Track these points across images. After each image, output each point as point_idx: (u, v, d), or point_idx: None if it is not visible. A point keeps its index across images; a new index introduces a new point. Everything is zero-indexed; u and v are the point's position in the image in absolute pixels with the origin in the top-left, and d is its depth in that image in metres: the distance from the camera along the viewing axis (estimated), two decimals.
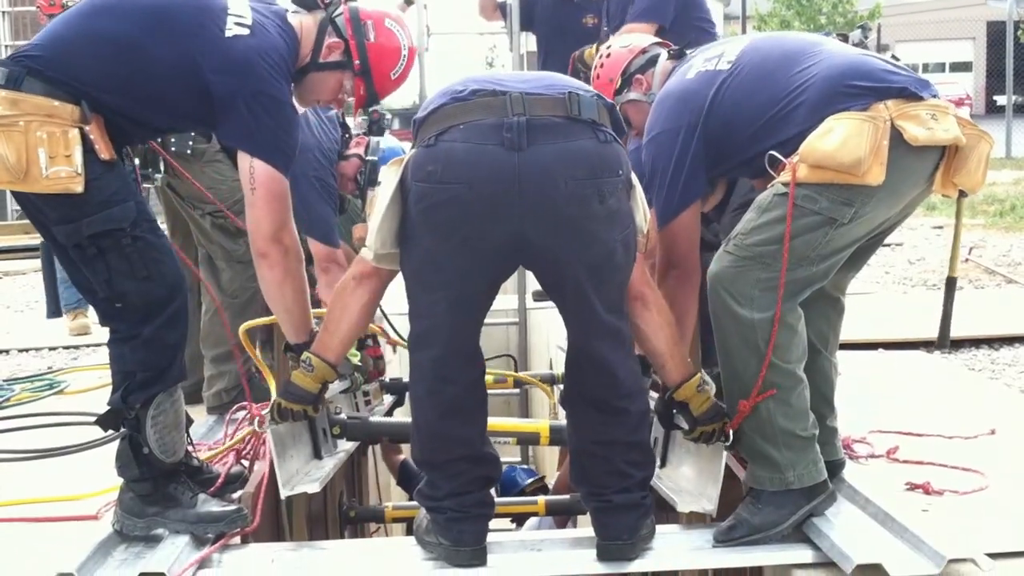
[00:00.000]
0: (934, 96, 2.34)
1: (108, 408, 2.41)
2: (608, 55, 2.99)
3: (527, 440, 3.25)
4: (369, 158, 3.82)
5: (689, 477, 2.87)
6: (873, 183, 2.24)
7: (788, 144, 2.34)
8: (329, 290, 3.57)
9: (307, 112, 3.57)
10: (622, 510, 2.35)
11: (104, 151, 2.30)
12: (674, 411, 2.60)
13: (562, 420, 3.73)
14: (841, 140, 2.24)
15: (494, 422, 2.57)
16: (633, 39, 3.05)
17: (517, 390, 5.63)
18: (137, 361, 2.37)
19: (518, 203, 2.15)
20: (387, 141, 3.98)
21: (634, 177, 2.33)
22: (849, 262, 2.49)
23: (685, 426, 2.61)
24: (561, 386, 5.03)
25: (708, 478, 2.67)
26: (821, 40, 2.55)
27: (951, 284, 2.52)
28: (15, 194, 2.36)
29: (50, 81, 2.26)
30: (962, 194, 2.40)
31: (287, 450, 2.80)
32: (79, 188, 2.25)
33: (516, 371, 4.98)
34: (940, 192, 2.38)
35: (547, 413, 6.42)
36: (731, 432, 2.46)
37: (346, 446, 3.20)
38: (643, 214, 2.36)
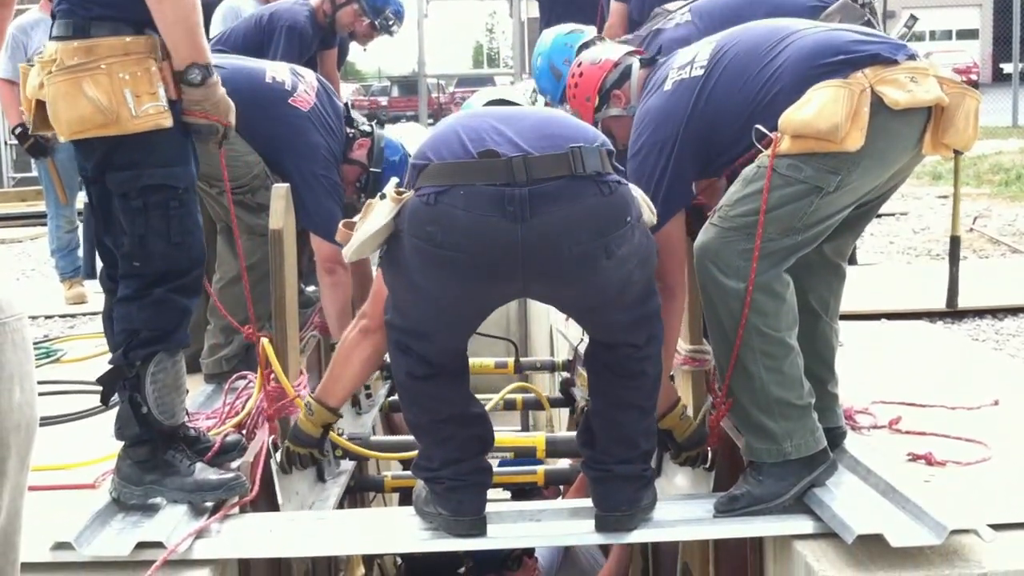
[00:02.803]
0: (910, 57, 2.31)
1: (109, 366, 2.40)
2: (580, 73, 2.91)
3: (523, 454, 3.26)
4: (372, 169, 3.77)
5: (682, 487, 2.88)
6: (852, 148, 2.23)
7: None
8: (332, 292, 3.56)
9: (316, 106, 3.54)
10: (622, 480, 2.34)
11: (173, 91, 2.30)
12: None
13: (559, 432, 3.73)
14: (818, 108, 2.24)
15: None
16: (602, 52, 2.97)
17: (516, 374, 5.65)
18: (143, 319, 2.35)
19: (520, 270, 2.12)
20: (391, 143, 3.91)
21: (634, 189, 2.27)
22: (847, 228, 2.47)
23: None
24: (563, 373, 5.07)
25: (701, 490, 2.68)
26: (786, 24, 2.51)
27: (955, 243, 2.51)
28: (79, 142, 2.29)
29: (114, 19, 2.25)
30: (957, 152, 2.38)
31: (292, 486, 2.77)
32: (168, 122, 2.27)
33: (517, 357, 4.99)
34: (931, 153, 2.36)
35: (545, 392, 6.44)
36: (710, 455, 2.72)
37: (348, 465, 3.21)
38: (648, 211, 2.30)
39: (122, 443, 2.43)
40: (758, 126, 2.34)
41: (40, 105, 2.32)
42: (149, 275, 2.34)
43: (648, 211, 2.31)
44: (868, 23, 3.06)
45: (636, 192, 2.27)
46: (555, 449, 3.30)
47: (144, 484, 2.40)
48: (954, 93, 2.30)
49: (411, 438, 2.81)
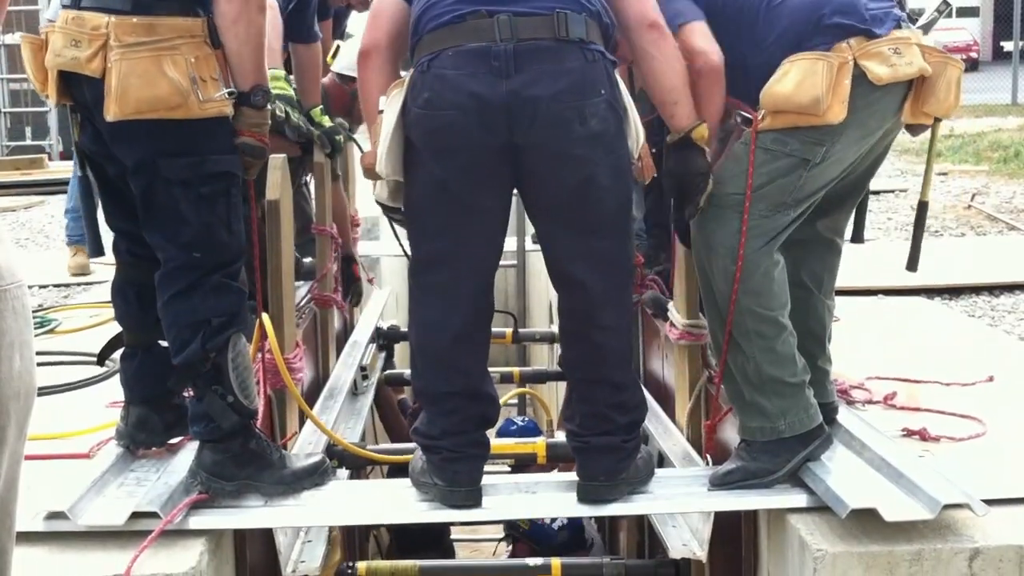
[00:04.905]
0: (897, 22, 2.30)
1: (181, 366, 2.29)
2: None
3: (524, 460, 3.24)
4: None
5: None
6: (834, 121, 2.24)
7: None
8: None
9: None
10: (600, 452, 2.34)
11: (228, 80, 2.23)
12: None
13: (559, 437, 3.72)
14: (796, 82, 2.24)
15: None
16: None
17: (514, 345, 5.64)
18: (209, 308, 2.26)
19: (506, 122, 2.17)
20: None
21: (628, 101, 2.30)
22: (837, 203, 2.47)
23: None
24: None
25: (700, 517, 2.67)
26: None
27: (923, 208, 2.53)
28: (118, 123, 2.14)
29: None
30: (936, 119, 2.39)
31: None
32: (230, 110, 2.22)
33: (515, 328, 4.98)
34: (910, 121, 2.37)
35: (545, 364, 6.46)
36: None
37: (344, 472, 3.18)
38: (635, 139, 2.32)
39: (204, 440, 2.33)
40: (740, 112, 2.33)
41: (63, 76, 2.20)
42: (208, 265, 2.26)
43: (634, 141, 2.30)
44: None
45: (633, 117, 2.29)
46: (556, 454, 3.28)
47: (238, 479, 2.33)
48: (936, 62, 2.31)
49: (409, 445, 2.80)
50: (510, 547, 4.68)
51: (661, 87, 2.36)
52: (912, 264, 2.53)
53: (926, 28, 3.07)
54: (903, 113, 2.34)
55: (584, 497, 2.36)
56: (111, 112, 2.13)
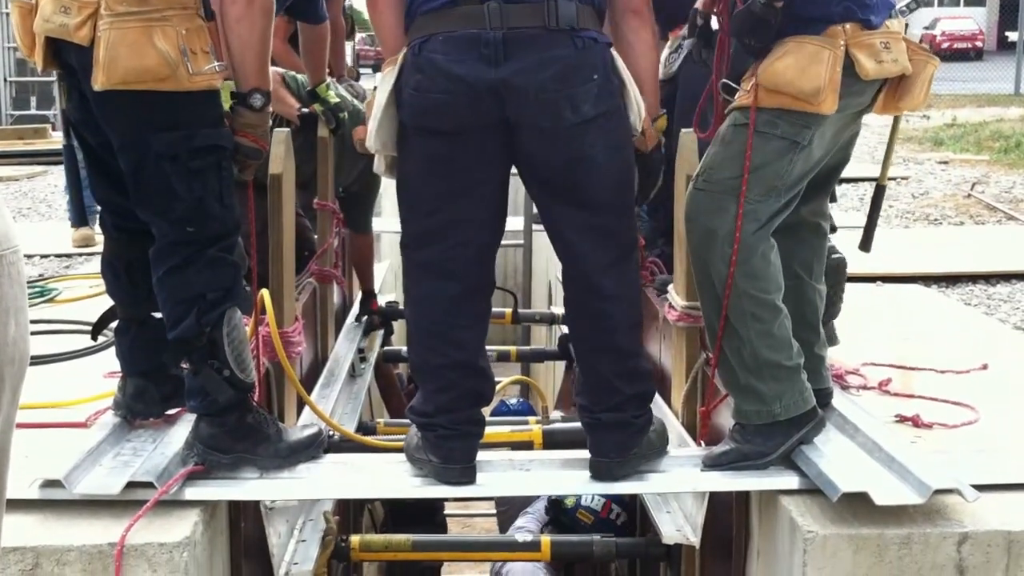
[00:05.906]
0: (890, 12, 2.31)
1: (176, 341, 2.28)
2: None
3: (520, 447, 3.23)
4: None
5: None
6: (827, 112, 2.25)
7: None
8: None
9: None
10: (610, 428, 2.35)
11: (221, 54, 2.23)
12: None
13: (554, 424, 3.70)
14: (801, 67, 2.24)
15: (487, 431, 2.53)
16: None
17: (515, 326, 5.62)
18: (204, 282, 2.26)
19: (496, 103, 2.19)
20: None
21: (627, 77, 2.30)
22: (817, 187, 2.48)
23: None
24: (562, 327, 5.07)
25: (694, 503, 2.69)
26: None
27: (879, 191, 2.57)
28: (106, 94, 2.13)
29: None
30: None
31: (281, 520, 2.64)
32: (219, 83, 2.21)
33: (515, 308, 4.97)
34: (880, 114, 2.40)
35: (543, 345, 6.45)
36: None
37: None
38: (637, 113, 2.33)
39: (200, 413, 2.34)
40: (726, 80, 2.33)
41: (50, 42, 2.20)
42: (201, 239, 2.25)
43: (635, 115, 2.31)
44: None
45: (632, 91, 2.29)
46: (553, 441, 3.27)
47: (234, 452, 2.32)
48: (918, 60, 2.33)
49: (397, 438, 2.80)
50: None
51: (632, 75, 2.37)
52: (865, 244, 2.56)
53: None
54: (875, 106, 2.36)
55: (595, 473, 2.37)
56: (99, 81, 2.12)
